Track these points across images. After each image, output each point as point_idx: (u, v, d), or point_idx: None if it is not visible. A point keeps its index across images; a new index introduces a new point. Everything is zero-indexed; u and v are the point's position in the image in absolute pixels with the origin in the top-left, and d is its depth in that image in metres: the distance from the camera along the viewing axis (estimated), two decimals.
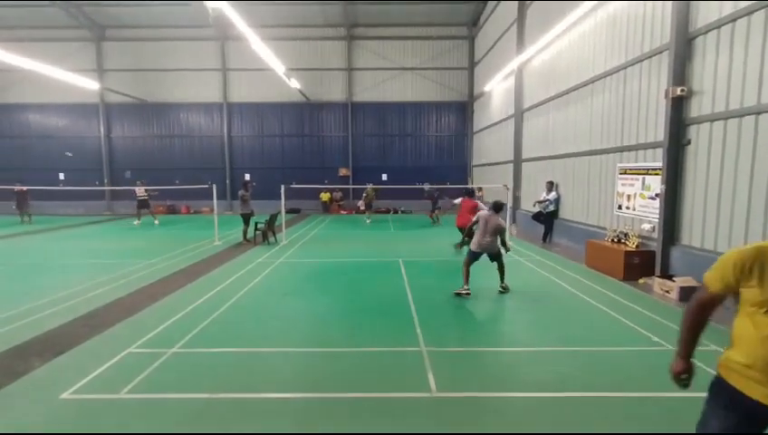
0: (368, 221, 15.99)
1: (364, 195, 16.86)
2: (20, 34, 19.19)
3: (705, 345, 4.28)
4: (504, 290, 6.20)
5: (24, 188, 16.34)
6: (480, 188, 18.33)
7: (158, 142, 20.53)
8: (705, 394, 3.40)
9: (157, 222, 15.41)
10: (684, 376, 1.87)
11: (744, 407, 1.63)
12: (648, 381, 3.56)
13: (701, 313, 1.81)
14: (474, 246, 6.18)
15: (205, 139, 20.48)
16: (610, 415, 3.08)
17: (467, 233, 6.53)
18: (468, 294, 6.00)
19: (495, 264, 6.28)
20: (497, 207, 6.26)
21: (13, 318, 5.08)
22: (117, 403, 3.22)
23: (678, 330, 1.88)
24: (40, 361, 3.93)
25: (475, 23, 19.32)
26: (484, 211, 6.27)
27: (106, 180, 20.21)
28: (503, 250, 6.27)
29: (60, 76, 14.14)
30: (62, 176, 20.29)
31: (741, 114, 5.35)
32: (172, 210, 20.12)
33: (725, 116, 5.58)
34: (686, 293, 5.75)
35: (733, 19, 5.44)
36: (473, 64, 19.88)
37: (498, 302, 5.92)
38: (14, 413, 3.11)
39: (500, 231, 6.12)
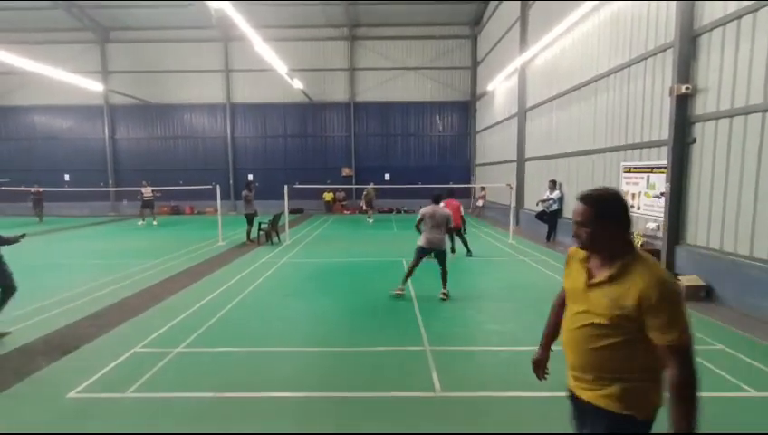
0: (369, 221, 16.01)
1: (364, 194, 16.90)
2: (25, 37, 19.34)
3: (711, 344, 4.26)
4: (446, 298, 5.80)
5: (41, 189, 16.55)
6: (483, 188, 18.34)
7: (162, 143, 20.64)
8: (709, 394, 3.39)
9: (155, 223, 15.44)
10: (540, 366, 2.00)
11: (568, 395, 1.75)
12: None
13: (559, 308, 1.88)
14: (423, 241, 5.86)
15: (208, 139, 20.57)
16: None
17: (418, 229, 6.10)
18: (401, 293, 5.87)
19: (439, 267, 5.91)
20: (437, 199, 6.03)
21: (20, 318, 5.12)
22: (123, 402, 3.25)
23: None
24: (47, 360, 3.96)
25: (477, 22, 19.27)
26: (426, 207, 5.90)
27: (111, 181, 20.34)
28: (453, 251, 6.12)
29: (65, 78, 14.23)
30: (67, 177, 20.44)
31: (747, 112, 5.31)
32: (176, 211, 20.23)
33: (731, 114, 5.54)
34: (691, 292, 5.71)
35: (738, 16, 5.40)
36: (475, 64, 19.84)
37: (503, 301, 5.91)
38: (23, 412, 3.14)
39: (448, 220, 5.87)
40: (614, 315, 1.44)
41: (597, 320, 1.49)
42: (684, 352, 1.36)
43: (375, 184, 16.94)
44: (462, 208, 8.84)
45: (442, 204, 6.10)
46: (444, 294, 5.88)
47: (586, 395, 1.59)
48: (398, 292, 5.92)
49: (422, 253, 5.91)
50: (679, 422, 1.34)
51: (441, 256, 5.90)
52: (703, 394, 3.07)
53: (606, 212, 1.48)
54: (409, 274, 5.98)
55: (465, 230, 8.93)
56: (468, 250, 8.92)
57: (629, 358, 1.44)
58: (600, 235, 1.49)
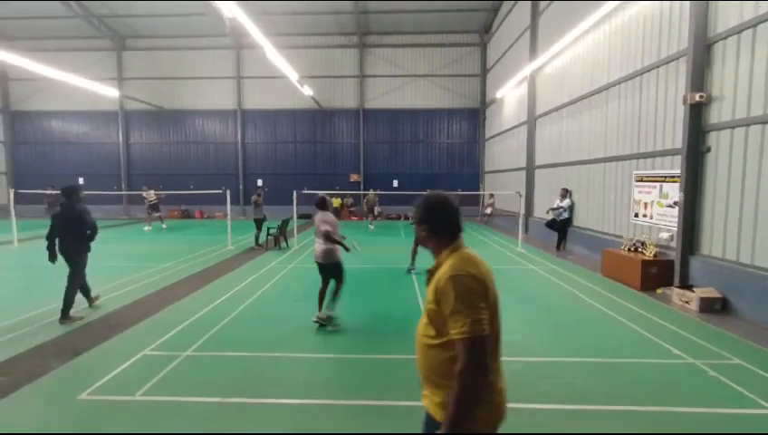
0: (371, 227, 15.92)
1: (365, 200, 16.95)
2: (45, 45, 19.93)
3: (727, 358, 4.14)
4: (320, 321, 4.89)
5: (54, 192, 16.87)
6: (492, 195, 18.25)
7: (174, 149, 20.99)
8: (726, 410, 3.29)
9: (164, 226, 15.44)
10: None
11: None
12: (667, 395, 3.45)
13: None
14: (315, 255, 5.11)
15: (219, 145, 20.86)
16: (628, 430, 2.99)
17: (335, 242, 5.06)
18: (321, 321, 4.95)
19: (332, 284, 5.06)
20: (320, 204, 5.12)
21: (33, 319, 5.22)
22: (132, 405, 3.26)
23: None
24: (59, 361, 4.01)
25: (487, 30, 19.34)
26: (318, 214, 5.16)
27: (124, 185, 20.70)
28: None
29: (82, 84, 14.60)
30: (81, 180, 20.85)
31: (764, 121, 5.21)
32: (186, 215, 20.48)
33: (747, 123, 5.45)
34: (706, 304, 5.59)
35: (754, 24, 5.33)
36: (485, 71, 19.87)
37: (511, 311, 5.84)
38: (34, 413, 3.18)
39: (327, 225, 4.94)
40: (428, 310, 1.49)
41: (424, 319, 1.54)
42: (466, 345, 1.32)
43: (382, 190, 16.97)
44: None
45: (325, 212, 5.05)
46: (318, 317, 4.89)
47: (424, 402, 1.56)
48: (317, 319, 4.97)
49: (319, 270, 5.09)
50: (447, 411, 1.34)
51: (329, 270, 5.03)
52: (719, 410, 3.01)
53: (420, 216, 1.64)
54: (321, 296, 5.07)
55: None
56: (411, 265, 7.96)
57: (454, 362, 1.36)
58: (421, 235, 1.65)
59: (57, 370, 3.85)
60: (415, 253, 8.10)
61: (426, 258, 8.83)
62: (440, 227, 1.59)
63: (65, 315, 5.16)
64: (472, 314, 1.34)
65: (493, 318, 1.43)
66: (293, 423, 3.05)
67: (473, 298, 1.37)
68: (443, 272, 1.45)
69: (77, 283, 5.36)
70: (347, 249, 5.08)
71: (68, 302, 5.19)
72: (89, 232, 5.34)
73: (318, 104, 19.77)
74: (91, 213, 5.43)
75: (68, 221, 5.23)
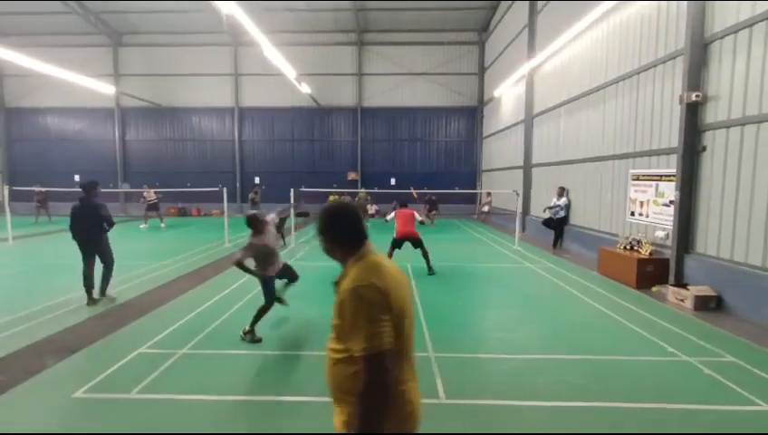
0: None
1: (356, 199, 16.91)
2: (41, 41, 19.74)
3: (721, 356, 4.18)
4: (244, 334, 4.46)
5: (44, 189, 16.76)
6: (489, 194, 18.28)
7: (171, 146, 20.87)
8: (720, 407, 3.31)
9: (163, 225, 15.33)
10: None
11: None
12: (662, 392, 3.48)
13: None
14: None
15: (216, 142, 20.77)
16: (623, 426, 3.01)
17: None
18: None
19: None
20: (248, 223, 4.61)
21: (29, 317, 5.19)
22: (128, 403, 3.26)
23: None
24: (54, 359, 3.99)
25: (485, 28, 19.32)
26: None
27: (120, 183, 20.59)
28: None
29: (78, 81, 14.49)
30: (77, 178, 20.73)
31: (759, 120, 5.24)
32: (183, 213, 20.41)
33: (742, 122, 5.48)
34: (701, 302, 5.62)
35: (750, 24, 5.36)
36: (483, 70, 19.86)
37: (508, 309, 5.86)
38: (28, 411, 3.17)
39: (240, 252, 4.52)
40: (334, 326, 1.44)
41: (332, 334, 1.49)
42: (366, 363, 1.29)
43: (380, 189, 16.94)
44: (417, 216, 8.12)
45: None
46: (244, 331, 4.46)
47: (334, 420, 1.52)
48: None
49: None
50: (352, 424, 1.34)
51: (286, 276, 5.10)
52: (713, 407, 3.04)
53: (321, 227, 1.57)
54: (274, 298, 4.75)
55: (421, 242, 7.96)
56: (429, 268, 7.83)
57: (358, 377, 1.33)
58: (324, 247, 1.59)
59: (53, 367, 3.83)
60: (390, 256, 7.95)
61: (412, 258, 8.89)
62: (342, 236, 1.53)
63: (103, 293, 5.91)
64: (371, 329, 1.29)
65: (399, 328, 1.37)
66: (293, 422, 3.06)
67: (373, 311, 1.31)
68: (345, 284, 1.40)
69: (112, 268, 5.98)
70: (258, 277, 4.61)
71: (104, 283, 5.93)
72: (105, 225, 5.86)
73: (316, 102, 19.71)
74: (107, 207, 5.93)
75: (85, 215, 5.71)
